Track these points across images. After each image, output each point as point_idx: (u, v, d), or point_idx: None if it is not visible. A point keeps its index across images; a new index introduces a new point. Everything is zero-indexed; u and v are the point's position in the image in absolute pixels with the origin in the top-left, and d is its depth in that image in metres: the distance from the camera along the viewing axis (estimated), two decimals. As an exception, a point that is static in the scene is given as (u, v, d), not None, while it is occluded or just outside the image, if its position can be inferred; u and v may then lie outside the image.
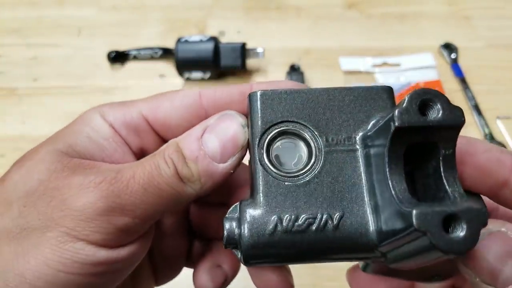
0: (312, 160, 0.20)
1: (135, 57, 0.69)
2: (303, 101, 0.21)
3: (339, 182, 0.20)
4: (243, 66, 0.65)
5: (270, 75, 0.68)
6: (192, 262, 0.31)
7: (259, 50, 0.65)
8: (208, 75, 0.65)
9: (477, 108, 0.62)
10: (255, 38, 0.72)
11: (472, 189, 0.19)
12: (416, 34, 0.73)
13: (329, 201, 0.19)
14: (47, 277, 0.19)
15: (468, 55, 0.69)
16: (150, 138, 0.25)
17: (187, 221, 0.31)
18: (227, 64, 0.64)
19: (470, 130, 0.60)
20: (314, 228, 0.19)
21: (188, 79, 0.66)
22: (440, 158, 0.17)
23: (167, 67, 0.69)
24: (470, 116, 0.62)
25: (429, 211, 0.15)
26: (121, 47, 0.70)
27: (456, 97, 0.64)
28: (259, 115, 0.21)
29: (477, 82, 0.65)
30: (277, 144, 0.21)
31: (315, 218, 0.19)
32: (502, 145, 0.58)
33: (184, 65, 0.65)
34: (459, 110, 0.17)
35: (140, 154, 0.25)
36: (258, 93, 0.22)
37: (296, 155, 0.21)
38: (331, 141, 0.20)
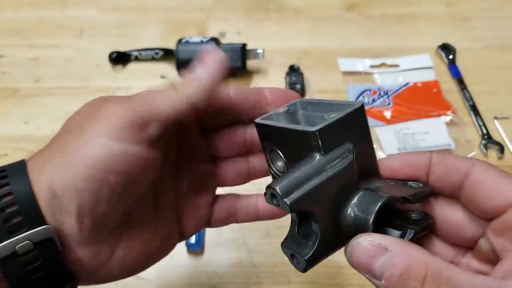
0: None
1: (136, 58, 0.70)
2: (282, 135, 0.28)
3: None
4: (243, 67, 0.65)
5: (270, 76, 0.68)
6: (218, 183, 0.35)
7: (259, 51, 0.66)
8: (208, 75, 0.66)
9: (474, 109, 0.62)
10: (255, 39, 0.73)
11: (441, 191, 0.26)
12: (414, 35, 0.73)
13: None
14: (82, 169, 0.24)
15: (466, 55, 0.69)
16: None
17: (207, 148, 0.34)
18: (227, 65, 0.65)
19: (468, 131, 0.61)
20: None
21: (188, 79, 0.67)
22: None
23: (168, 68, 0.69)
24: (467, 117, 0.62)
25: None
26: (123, 48, 0.70)
27: (454, 98, 0.64)
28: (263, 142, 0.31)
29: (474, 82, 0.66)
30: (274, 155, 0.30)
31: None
32: (500, 145, 0.58)
33: (185, 66, 0.65)
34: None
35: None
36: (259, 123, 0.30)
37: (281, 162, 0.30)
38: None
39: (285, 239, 0.27)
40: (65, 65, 0.70)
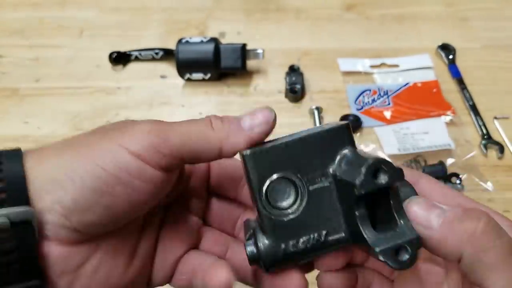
0: (299, 197, 0.27)
1: (137, 58, 0.70)
2: (284, 154, 0.27)
3: (322, 208, 0.27)
4: (243, 67, 0.65)
5: (270, 76, 0.68)
6: (207, 221, 0.34)
7: (259, 51, 0.66)
8: (208, 75, 0.66)
9: (474, 109, 0.62)
10: (255, 39, 0.73)
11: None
12: (414, 35, 0.74)
13: (317, 225, 0.27)
14: (94, 171, 0.24)
15: (466, 56, 0.69)
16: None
17: (208, 182, 0.34)
18: (228, 65, 0.65)
19: (468, 131, 0.61)
20: (309, 245, 0.27)
21: (188, 79, 0.67)
22: (390, 199, 0.25)
23: (168, 68, 0.69)
24: (467, 117, 0.62)
25: (387, 248, 0.23)
26: (123, 48, 0.70)
27: (454, 98, 0.64)
28: (254, 175, 0.27)
29: (474, 82, 0.66)
30: (272, 188, 0.27)
31: (309, 239, 0.27)
32: (499, 145, 0.58)
33: (185, 66, 0.65)
34: (400, 171, 0.24)
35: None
36: (249, 154, 0.27)
37: (288, 195, 0.27)
38: (310, 179, 0.27)
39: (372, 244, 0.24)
40: (65, 65, 0.70)
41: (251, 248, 0.27)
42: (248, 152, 0.26)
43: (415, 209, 0.25)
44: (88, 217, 0.24)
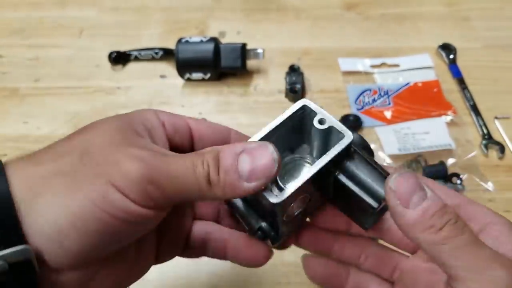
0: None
1: (136, 58, 0.70)
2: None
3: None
4: (243, 66, 0.65)
5: (270, 76, 0.68)
6: (191, 245, 0.34)
7: (259, 50, 0.66)
8: (208, 75, 0.66)
9: (475, 108, 0.62)
10: (255, 38, 0.73)
11: None
12: (415, 35, 0.73)
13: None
14: (86, 208, 0.24)
15: (466, 55, 0.69)
16: (186, 140, 0.32)
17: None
18: (228, 64, 0.65)
19: (469, 131, 0.61)
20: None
21: (188, 79, 0.67)
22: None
23: (168, 68, 0.69)
24: (468, 117, 0.62)
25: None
26: (122, 48, 0.70)
27: (454, 98, 0.64)
28: None
29: (475, 82, 0.66)
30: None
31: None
32: (500, 145, 0.58)
33: (185, 66, 0.65)
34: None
35: (173, 150, 0.30)
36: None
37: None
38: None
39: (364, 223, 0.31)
40: (64, 65, 0.70)
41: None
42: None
43: (401, 181, 0.25)
44: (87, 253, 0.25)
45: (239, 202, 0.32)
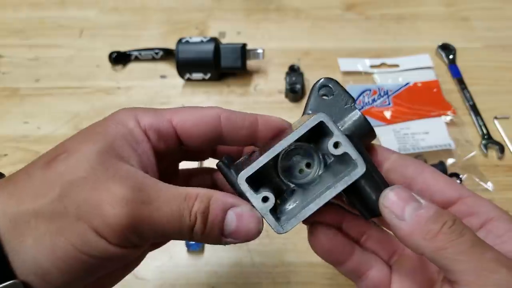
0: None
1: (137, 58, 0.70)
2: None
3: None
4: (243, 66, 0.65)
5: (270, 76, 0.68)
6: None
7: (259, 51, 0.66)
8: (208, 75, 0.66)
9: (474, 109, 0.62)
10: (255, 39, 0.73)
11: None
12: (414, 35, 0.73)
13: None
14: (68, 252, 0.24)
15: (466, 55, 0.69)
16: (172, 143, 0.30)
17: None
18: (228, 64, 0.65)
19: (468, 131, 0.61)
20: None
21: (188, 79, 0.67)
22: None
23: (168, 68, 0.69)
24: (468, 117, 0.62)
25: None
26: (123, 48, 0.70)
27: (454, 98, 0.64)
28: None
29: (474, 82, 0.66)
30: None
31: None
32: (500, 145, 0.58)
33: (185, 66, 0.65)
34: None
35: (160, 155, 0.30)
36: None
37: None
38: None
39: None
40: (65, 65, 0.70)
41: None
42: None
43: (392, 197, 0.26)
44: (70, 284, 0.25)
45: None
